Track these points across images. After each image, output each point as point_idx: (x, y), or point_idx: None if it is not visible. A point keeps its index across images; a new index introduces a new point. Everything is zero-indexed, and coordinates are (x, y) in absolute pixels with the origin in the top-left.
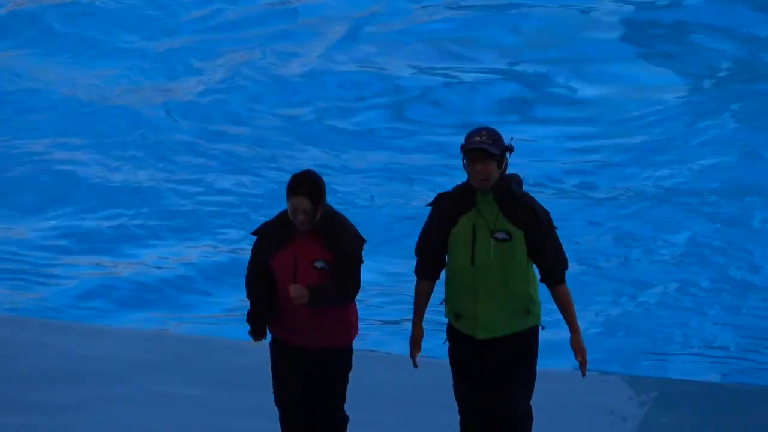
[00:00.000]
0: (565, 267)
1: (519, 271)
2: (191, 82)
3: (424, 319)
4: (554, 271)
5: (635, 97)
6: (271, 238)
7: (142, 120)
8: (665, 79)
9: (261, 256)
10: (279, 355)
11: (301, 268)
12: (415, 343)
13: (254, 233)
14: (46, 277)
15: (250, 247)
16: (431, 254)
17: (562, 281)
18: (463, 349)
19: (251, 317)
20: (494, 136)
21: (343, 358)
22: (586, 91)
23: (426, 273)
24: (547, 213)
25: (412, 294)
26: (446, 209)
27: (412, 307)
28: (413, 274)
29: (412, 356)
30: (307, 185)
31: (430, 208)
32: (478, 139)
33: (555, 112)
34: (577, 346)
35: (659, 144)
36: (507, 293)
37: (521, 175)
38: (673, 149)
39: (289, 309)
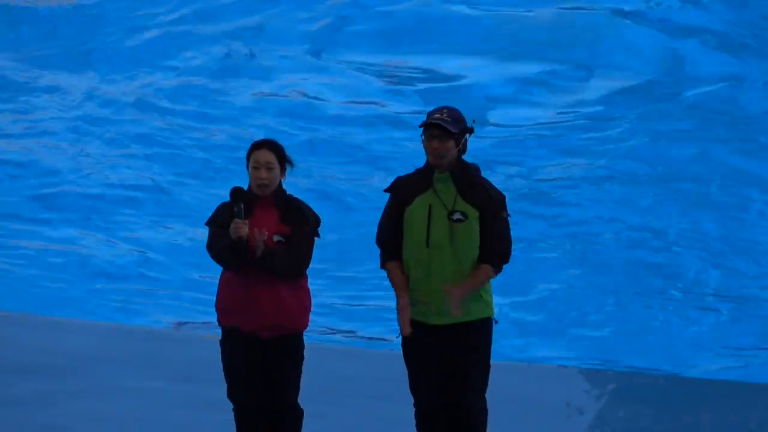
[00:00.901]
0: (504, 254)
1: (473, 254)
2: None
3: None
4: (491, 252)
5: None
6: (229, 212)
7: None
8: None
9: (220, 230)
10: (232, 349)
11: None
12: (402, 307)
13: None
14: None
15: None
16: (392, 238)
17: (493, 264)
18: (416, 338)
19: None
20: (455, 115)
21: (298, 344)
22: None
23: (391, 255)
24: (501, 197)
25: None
26: (403, 191)
27: None
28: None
29: (404, 321)
30: (270, 141)
31: (388, 194)
32: (438, 116)
33: None
34: (452, 292)
35: None
36: (462, 276)
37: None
38: None
39: (244, 290)
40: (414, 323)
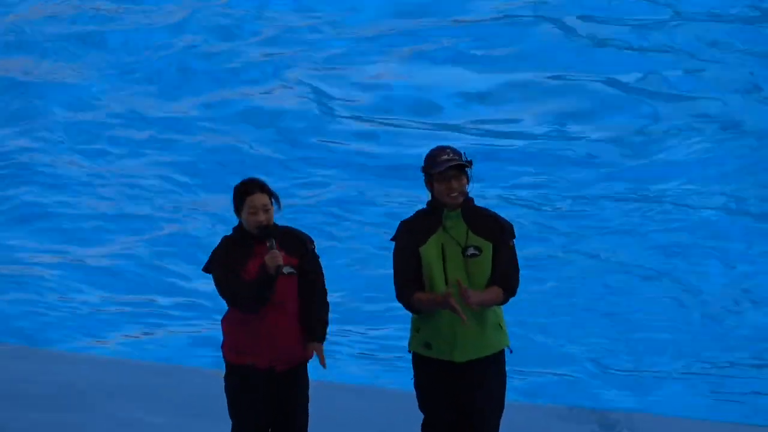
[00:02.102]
0: (515, 281)
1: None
2: None
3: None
4: (503, 280)
5: None
6: (233, 255)
7: None
8: None
9: (230, 273)
10: (240, 385)
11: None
12: (444, 299)
13: (212, 260)
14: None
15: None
16: (411, 276)
17: (506, 289)
18: (436, 377)
19: (255, 284)
20: (458, 152)
21: (306, 374)
22: None
23: (414, 287)
24: (510, 225)
25: None
26: (412, 234)
27: None
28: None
29: (448, 302)
30: (259, 183)
31: (394, 242)
32: (446, 157)
33: None
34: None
35: None
36: (480, 310)
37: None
38: None
39: (261, 328)
40: (431, 361)
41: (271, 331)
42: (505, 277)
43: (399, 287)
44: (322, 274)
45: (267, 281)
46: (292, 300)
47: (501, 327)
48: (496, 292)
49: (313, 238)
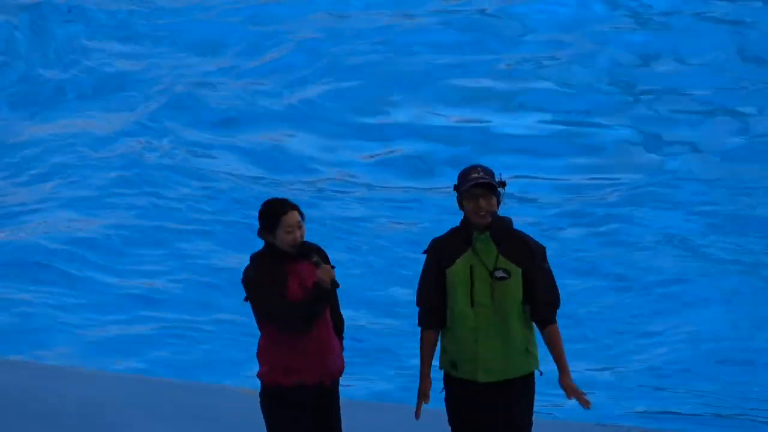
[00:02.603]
0: (556, 306)
1: (518, 310)
2: None
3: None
4: (545, 309)
5: None
6: (270, 277)
7: None
8: None
9: (276, 295)
10: (286, 405)
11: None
12: (423, 393)
13: (250, 285)
14: None
15: None
16: (432, 301)
17: (552, 320)
18: (462, 396)
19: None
20: (489, 171)
21: (338, 388)
22: None
23: (429, 322)
24: (541, 248)
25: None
26: (442, 253)
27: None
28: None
29: (418, 406)
30: (291, 202)
31: (425, 256)
32: (476, 175)
33: None
34: (567, 386)
35: None
36: (507, 333)
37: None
38: None
39: (307, 340)
40: (461, 381)
41: (321, 346)
42: (546, 306)
43: (419, 306)
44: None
45: (324, 297)
46: (328, 311)
47: (529, 351)
48: (555, 341)
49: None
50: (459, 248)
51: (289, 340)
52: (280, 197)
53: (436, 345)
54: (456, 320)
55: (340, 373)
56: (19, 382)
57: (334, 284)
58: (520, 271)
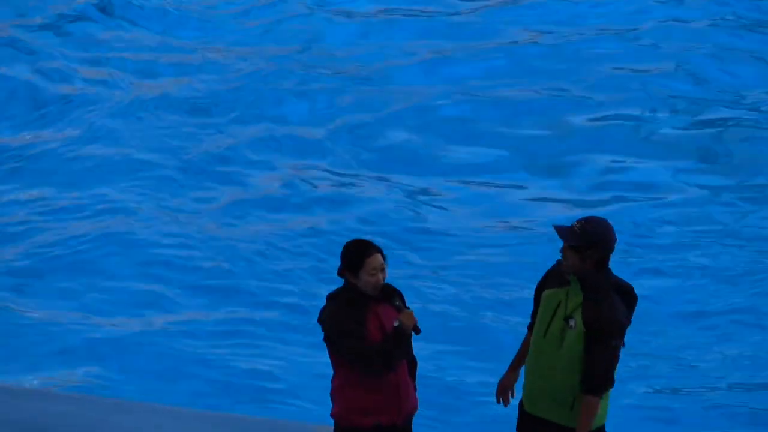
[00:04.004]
0: (606, 383)
1: (575, 365)
2: None
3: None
4: (591, 382)
5: None
6: (351, 318)
7: None
8: None
9: (355, 338)
10: None
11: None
12: (502, 384)
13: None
14: None
15: None
16: (534, 313)
17: (595, 393)
18: (520, 415)
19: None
20: (588, 228)
21: (411, 426)
22: None
23: (531, 325)
24: (616, 325)
25: None
26: (549, 276)
27: None
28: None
29: (497, 395)
30: (374, 244)
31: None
32: (571, 224)
33: None
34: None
35: None
36: (558, 377)
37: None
38: None
39: (387, 381)
40: (521, 401)
41: (398, 387)
42: (593, 378)
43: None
44: None
45: (404, 341)
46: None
47: (574, 410)
48: (588, 413)
49: None
50: (561, 280)
51: (366, 381)
52: (365, 239)
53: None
54: (531, 343)
55: (414, 411)
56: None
57: (416, 329)
58: (584, 331)
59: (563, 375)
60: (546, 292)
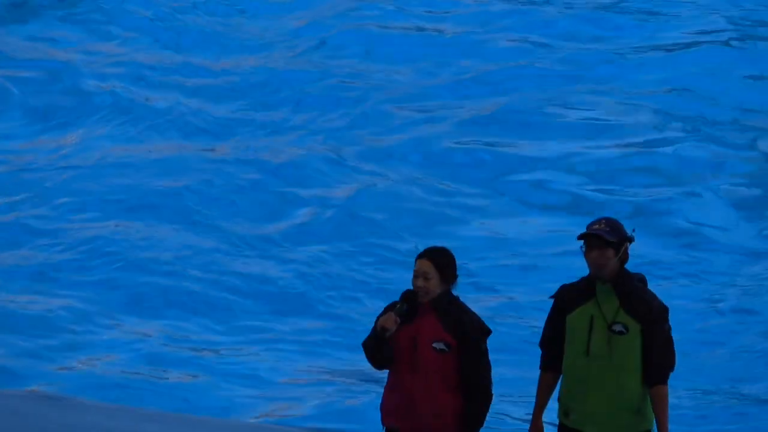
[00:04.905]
0: (670, 368)
1: (633, 367)
2: None
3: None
4: (658, 372)
5: None
6: (386, 310)
7: None
8: None
9: (373, 330)
10: None
11: (419, 346)
12: (536, 429)
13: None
14: None
15: None
16: (551, 346)
17: (662, 382)
18: None
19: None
20: (613, 225)
21: None
22: None
23: (547, 365)
24: (664, 309)
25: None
26: (566, 300)
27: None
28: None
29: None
30: (433, 250)
31: (553, 300)
32: (597, 227)
33: None
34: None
35: None
36: (620, 388)
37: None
38: None
39: (399, 387)
40: (569, 430)
41: (412, 396)
42: (659, 369)
43: (540, 347)
44: (484, 365)
45: (381, 341)
46: (440, 374)
47: (641, 411)
48: (661, 404)
49: (489, 330)
50: (582, 297)
51: (392, 382)
52: (439, 246)
53: (553, 389)
54: (570, 368)
55: (426, 428)
56: None
57: (384, 333)
58: (639, 327)
59: (631, 381)
60: (572, 316)
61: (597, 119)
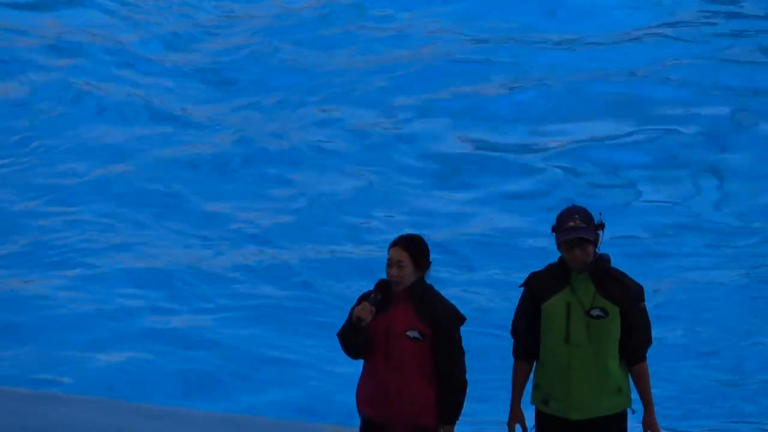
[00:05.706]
0: (648, 344)
1: (613, 349)
2: None
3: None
4: (640, 350)
5: None
6: (362, 298)
7: None
8: None
9: (349, 317)
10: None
11: (393, 335)
12: (516, 420)
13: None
14: None
15: None
16: (524, 335)
17: (643, 359)
18: None
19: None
20: (587, 217)
21: None
22: None
23: (521, 354)
24: (638, 287)
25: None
26: (538, 288)
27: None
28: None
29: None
30: (406, 238)
31: (522, 288)
32: (572, 224)
33: None
34: (649, 423)
35: None
36: (601, 371)
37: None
38: None
39: (373, 375)
40: (551, 418)
41: (387, 384)
42: (639, 346)
43: (513, 336)
44: (457, 353)
45: (355, 330)
46: (415, 363)
47: (622, 390)
48: (644, 381)
49: (463, 317)
50: (556, 285)
51: (367, 371)
52: (412, 234)
53: (528, 377)
54: (549, 356)
55: (422, 426)
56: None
57: (359, 323)
58: (617, 309)
59: (612, 363)
60: (548, 304)
61: None
